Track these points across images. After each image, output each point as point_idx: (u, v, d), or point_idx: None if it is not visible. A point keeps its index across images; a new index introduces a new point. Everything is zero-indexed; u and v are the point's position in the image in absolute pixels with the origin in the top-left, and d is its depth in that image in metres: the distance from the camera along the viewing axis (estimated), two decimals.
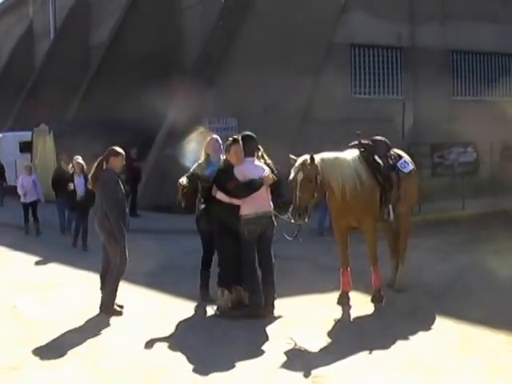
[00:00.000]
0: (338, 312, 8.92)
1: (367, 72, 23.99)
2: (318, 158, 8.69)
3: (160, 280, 10.91)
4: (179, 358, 7.23)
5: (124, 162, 9.40)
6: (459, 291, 9.88)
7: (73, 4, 33.74)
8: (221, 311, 8.81)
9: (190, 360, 7.11)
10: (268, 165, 8.94)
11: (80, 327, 8.46)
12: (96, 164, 9.16)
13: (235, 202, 8.56)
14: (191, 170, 9.33)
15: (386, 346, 7.36)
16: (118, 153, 9.20)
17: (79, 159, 15.16)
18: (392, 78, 24.37)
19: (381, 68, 24.19)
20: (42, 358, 7.31)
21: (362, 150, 9.29)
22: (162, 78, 24.96)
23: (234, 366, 6.84)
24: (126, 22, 28.38)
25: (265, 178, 8.58)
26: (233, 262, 8.75)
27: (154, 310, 9.34)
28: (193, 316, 9.03)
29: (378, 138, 9.76)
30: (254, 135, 8.99)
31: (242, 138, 8.79)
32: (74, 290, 10.69)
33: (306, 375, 6.49)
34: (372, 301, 9.22)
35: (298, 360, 6.99)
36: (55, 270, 12.56)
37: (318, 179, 8.57)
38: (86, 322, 8.69)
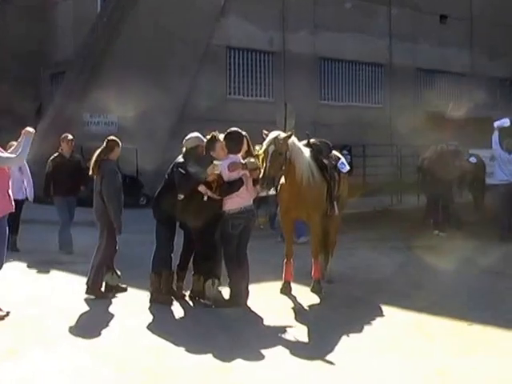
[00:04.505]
0: (287, 301, 9.46)
1: (242, 74, 24.82)
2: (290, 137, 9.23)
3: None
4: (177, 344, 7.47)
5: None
6: (385, 284, 10.73)
7: None
8: (215, 302, 8.94)
9: (191, 349, 7.25)
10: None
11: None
12: (99, 152, 9.34)
13: (216, 197, 8.85)
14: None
15: (352, 330, 7.95)
16: (119, 144, 9.53)
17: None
18: (264, 81, 25.36)
19: (254, 71, 25.11)
20: (40, 340, 7.48)
21: (311, 149, 9.97)
22: (36, 72, 24.53)
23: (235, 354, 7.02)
24: None
25: (244, 176, 8.86)
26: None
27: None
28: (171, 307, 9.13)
29: (323, 140, 10.51)
30: (241, 131, 9.13)
31: (229, 133, 9.04)
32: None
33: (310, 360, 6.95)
34: (312, 291, 9.82)
35: (297, 347, 7.37)
36: None
37: (288, 154, 9.14)
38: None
